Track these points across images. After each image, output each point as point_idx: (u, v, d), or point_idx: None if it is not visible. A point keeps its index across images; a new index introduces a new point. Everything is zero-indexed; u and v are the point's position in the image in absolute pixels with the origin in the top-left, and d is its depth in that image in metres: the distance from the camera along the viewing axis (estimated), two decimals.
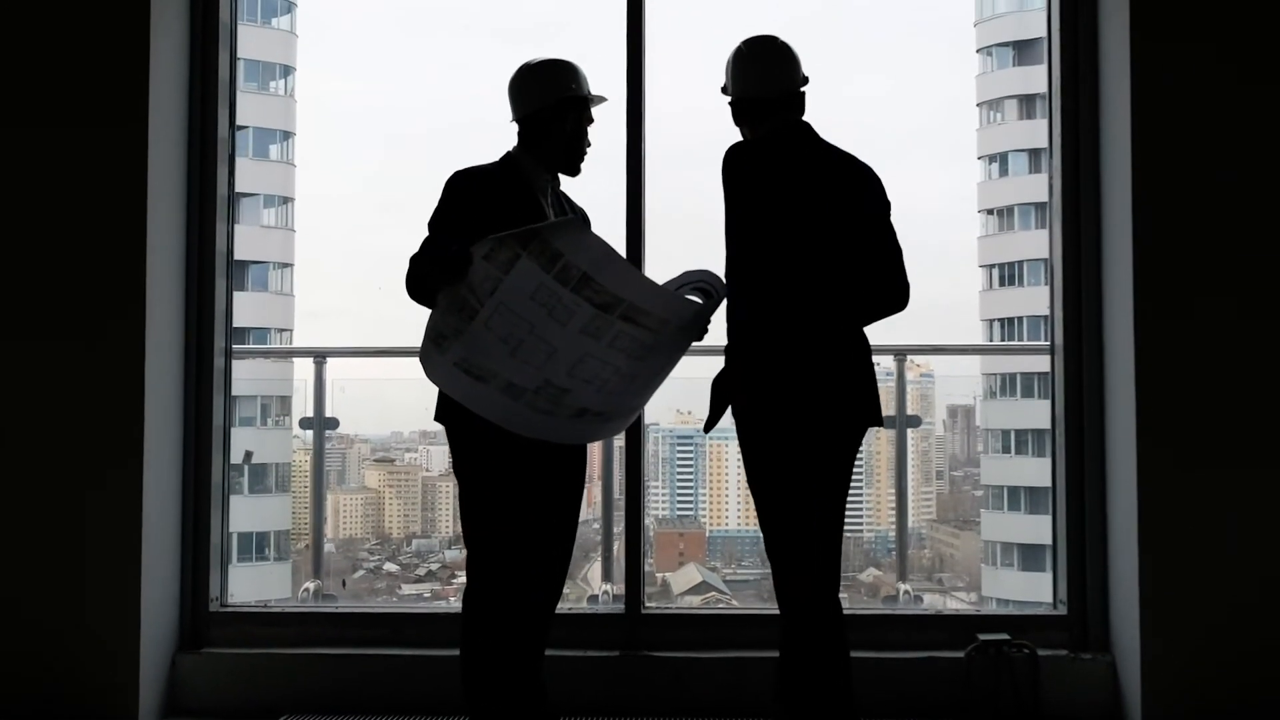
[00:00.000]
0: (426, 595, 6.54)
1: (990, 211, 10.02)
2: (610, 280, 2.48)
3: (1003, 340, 9.67)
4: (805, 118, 2.79)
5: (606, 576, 3.72)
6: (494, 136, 2.88)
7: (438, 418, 2.76)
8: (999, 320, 9.61)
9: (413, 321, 2.69)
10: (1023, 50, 10.09)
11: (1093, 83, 3.43)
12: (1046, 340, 3.60)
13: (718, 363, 2.72)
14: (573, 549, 2.89)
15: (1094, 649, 3.38)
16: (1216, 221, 3.17)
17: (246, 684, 3.38)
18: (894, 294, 2.68)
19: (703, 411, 2.74)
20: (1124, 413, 3.24)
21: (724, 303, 2.68)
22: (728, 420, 2.73)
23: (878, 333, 2.78)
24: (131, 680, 3.20)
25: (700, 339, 2.72)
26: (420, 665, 3.34)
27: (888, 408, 3.99)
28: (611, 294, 2.48)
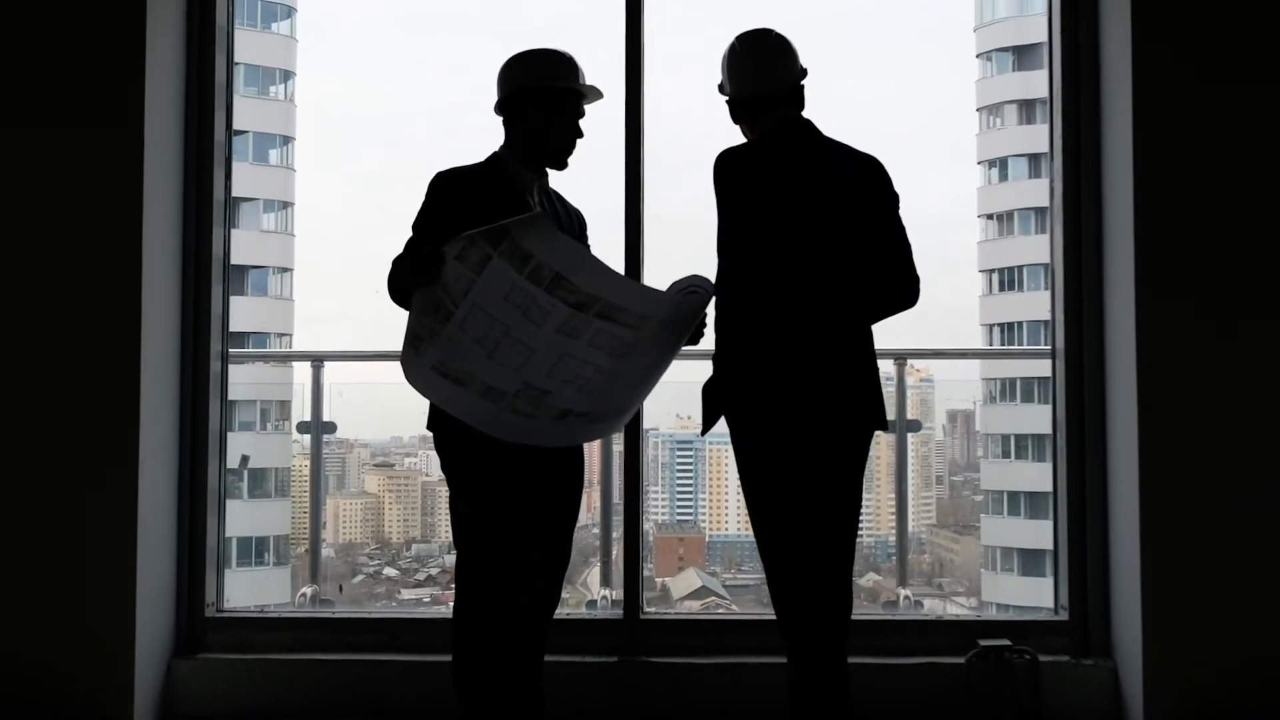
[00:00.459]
0: (426, 600, 6.53)
1: (990, 216, 10.02)
2: (583, 279, 2.44)
3: (1002, 345, 9.67)
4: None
5: (605, 581, 3.71)
6: (495, 140, 2.86)
7: (429, 426, 2.74)
8: (999, 325, 9.61)
9: None
10: (1022, 55, 10.10)
11: (1094, 85, 3.42)
12: (1047, 344, 3.59)
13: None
14: (569, 553, 2.86)
15: (1095, 654, 3.36)
16: (1219, 223, 3.16)
17: (243, 690, 3.36)
18: (904, 289, 2.63)
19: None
20: (1125, 416, 3.23)
21: (716, 308, 2.66)
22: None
23: (878, 337, 2.76)
24: (126, 685, 3.18)
25: (696, 342, 2.69)
26: (418, 671, 3.32)
27: (889, 412, 3.99)
28: (586, 293, 2.44)
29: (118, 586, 3.19)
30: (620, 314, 2.46)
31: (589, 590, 3.98)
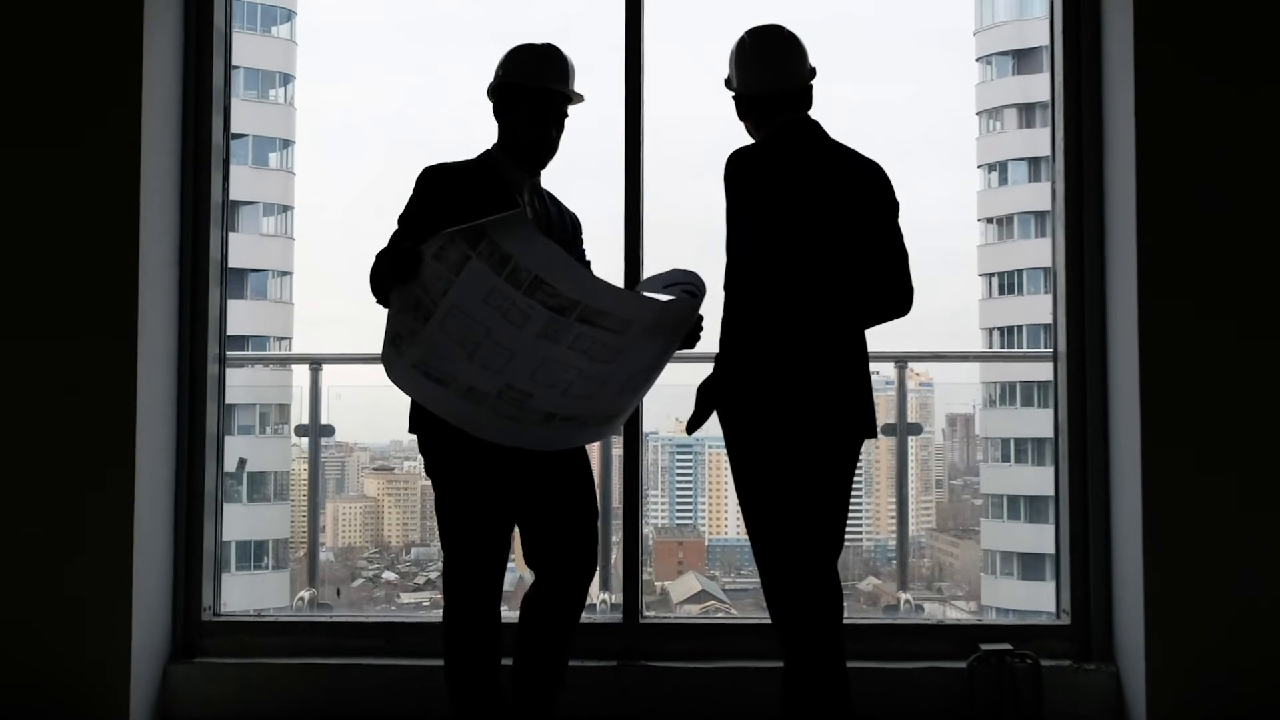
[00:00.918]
0: (425, 604, 6.52)
1: (990, 220, 10.02)
2: (562, 283, 2.39)
3: (1003, 349, 9.66)
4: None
5: (604, 585, 3.69)
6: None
7: (411, 429, 2.72)
8: (999, 329, 9.61)
9: None
10: (1022, 59, 10.10)
11: (1095, 85, 3.41)
12: (1048, 347, 3.58)
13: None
14: (590, 548, 2.76)
15: (1098, 659, 3.35)
16: (1221, 226, 3.15)
17: (239, 694, 3.35)
18: (897, 297, 2.62)
19: None
20: (1128, 419, 3.22)
21: (723, 309, 2.65)
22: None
23: (879, 340, 2.75)
24: (122, 690, 3.17)
25: (693, 345, 2.66)
26: (415, 675, 3.31)
27: (889, 415, 3.99)
28: (566, 296, 2.39)
29: (114, 590, 3.17)
30: (602, 318, 2.42)
31: (588, 594, 3.96)
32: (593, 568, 2.77)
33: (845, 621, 2.66)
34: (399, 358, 2.52)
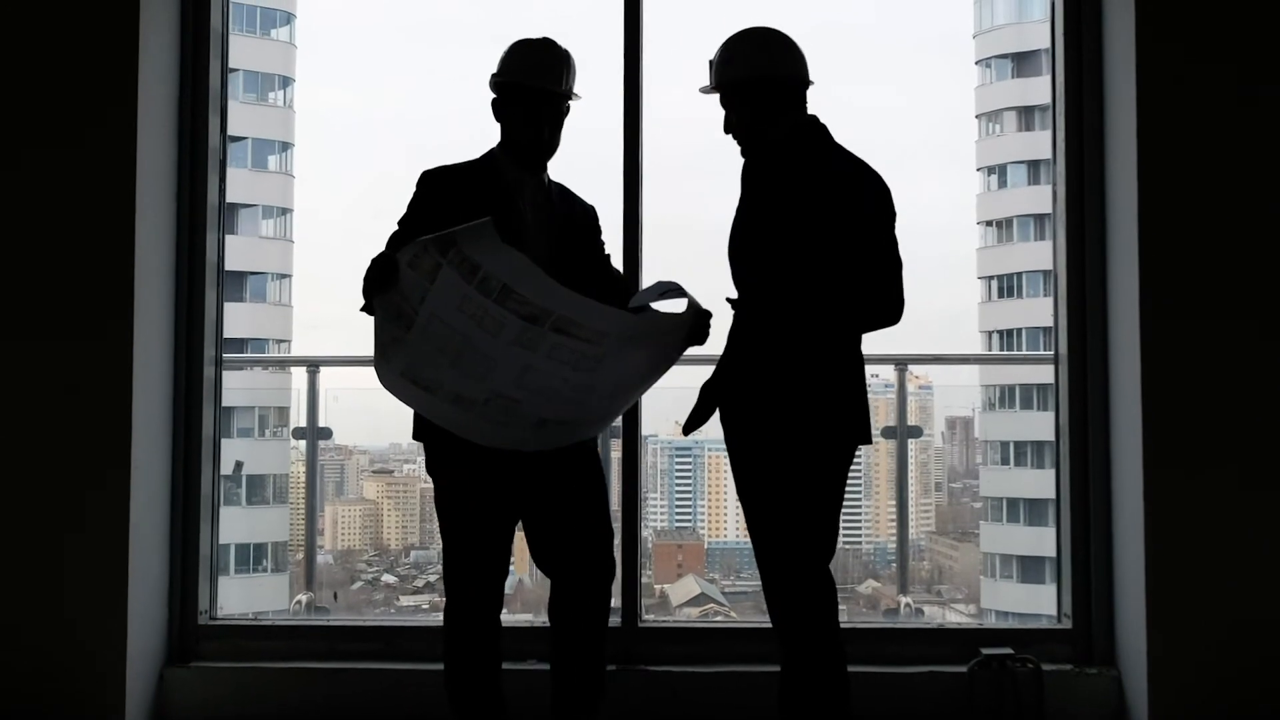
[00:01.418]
0: (425, 606, 6.51)
1: (989, 223, 10.03)
2: (530, 291, 2.39)
3: (1002, 352, 9.67)
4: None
5: None
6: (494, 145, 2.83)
7: (415, 436, 2.71)
8: (998, 332, 9.61)
9: None
10: (1022, 62, 10.12)
11: (1097, 88, 3.40)
12: (1048, 350, 3.56)
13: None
14: (603, 548, 2.74)
15: (1099, 663, 3.33)
16: (1223, 228, 3.13)
17: (236, 698, 3.33)
18: (887, 306, 2.58)
19: None
20: (1130, 422, 3.20)
21: (732, 310, 2.64)
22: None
23: (878, 343, 2.73)
24: (118, 694, 3.15)
25: (702, 343, 2.64)
26: (413, 679, 3.29)
27: (888, 418, 3.98)
28: (537, 305, 2.40)
29: (110, 594, 3.16)
30: (575, 328, 2.42)
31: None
32: (611, 567, 2.76)
33: (845, 626, 2.65)
34: (387, 365, 2.53)
